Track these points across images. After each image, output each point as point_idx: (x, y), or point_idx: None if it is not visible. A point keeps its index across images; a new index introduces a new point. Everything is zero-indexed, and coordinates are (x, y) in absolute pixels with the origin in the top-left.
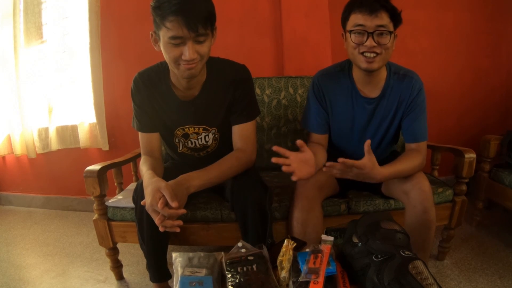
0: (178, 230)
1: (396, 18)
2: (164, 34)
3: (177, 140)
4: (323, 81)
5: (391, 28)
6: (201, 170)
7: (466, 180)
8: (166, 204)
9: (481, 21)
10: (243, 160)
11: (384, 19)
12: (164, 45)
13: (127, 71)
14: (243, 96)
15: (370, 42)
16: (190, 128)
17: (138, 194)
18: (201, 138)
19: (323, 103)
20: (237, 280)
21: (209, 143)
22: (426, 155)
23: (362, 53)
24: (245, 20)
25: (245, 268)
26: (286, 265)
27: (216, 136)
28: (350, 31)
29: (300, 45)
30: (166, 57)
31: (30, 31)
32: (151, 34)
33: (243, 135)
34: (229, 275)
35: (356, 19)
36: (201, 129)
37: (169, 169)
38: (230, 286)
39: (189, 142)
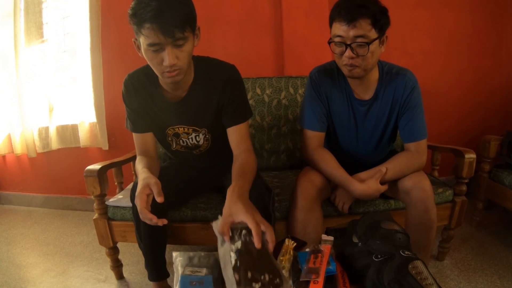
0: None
1: (379, 23)
2: (143, 41)
3: (169, 139)
4: (320, 77)
5: (372, 35)
6: (244, 177)
7: (466, 181)
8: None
9: (482, 21)
10: (254, 158)
11: (363, 28)
12: (144, 52)
13: (128, 71)
14: (234, 97)
15: (348, 54)
16: (180, 128)
17: (132, 198)
18: (191, 138)
19: (322, 97)
20: (239, 247)
21: (200, 143)
22: (427, 155)
23: (344, 64)
24: (246, 21)
25: (243, 238)
26: (286, 264)
27: (207, 136)
28: (330, 41)
29: (300, 45)
30: (149, 63)
31: (30, 31)
32: (134, 41)
33: (243, 136)
34: (240, 239)
35: (335, 29)
36: (190, 129)
37: (167, 169)
38: (232, 253)
39: (181, 141)
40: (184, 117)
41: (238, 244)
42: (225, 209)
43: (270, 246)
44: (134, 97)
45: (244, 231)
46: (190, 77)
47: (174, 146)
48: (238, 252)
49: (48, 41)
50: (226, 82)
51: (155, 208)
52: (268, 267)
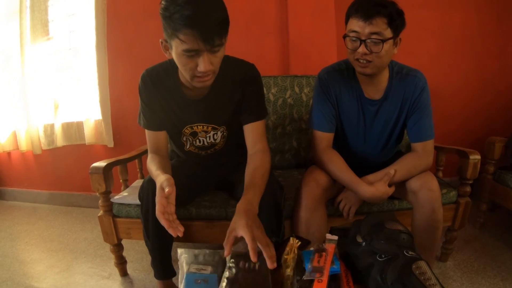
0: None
1: (395, 23)
2: (177, 45)
3: (184, 139)
4: (329, 77)
5: (387, 34)
6: (254, 189)
7: (470, 182)
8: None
9: (488, 22)
10: (269, 159)
11: (379, 26)
12: (177, 56)
13: (133, 68)
14: (253, 95)
15: (362, 49)
16: (199, 127)
17: (144, 192)
18: (209, 136)
19: (331, 98)
20: (234, 273)
21: (217, 141)
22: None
23: (357, 59)
24: (252, 20)
25: (247, 265)
26: (291, 263)
27: (225, 134)
28: (345, 36)
29: (306, 44)
30: (179, 67)
31: (36, 28)
32: (161, 42)
33: (259, 133)
34: (230, 265)
35: (351, 24)
36: (210, 127)
37: (175, 167)
38: (224, 278)
39: (197, 140)
40: (205, 114)
41: (231, 270)
42: (231, 224)
43: (269, 263)
44: (152, 93)
45: (238, 257)
46: None
47: (187, 147)
48: (230, 279)
49: (54, 38)
50: (247, 80)
51: None
52: None
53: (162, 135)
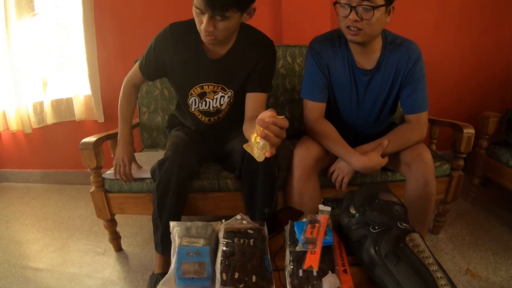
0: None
1: None
2: None
3: (191, 101)
4: (321, 46)
5: (379, 1)
6: None
7: (463, 156)
8: None
9: None
10: None
11: None
12: (193, 7)
13: (121, 41)
14: (264, 68)
15: (353, 16)
16: (209, 86)
17: (168, 172)
18: (216, 99)
19: (323, 68)
20: (231, 249)
21: (223, 107)
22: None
23: (347, 26)
24: None
25: (242, 240)
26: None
27: (231, 100)
28: (336, 3)
29: (298, 13)
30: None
31: (21, 4)
32: None
33: (261, 104)
34: (224, 242)
35: None
36: (219, 88)
37: (177, 143)
38: (220, 253)
39: (204, 102)
40: (218, 74)
41: (227, 244)
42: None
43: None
44: (167, 47)
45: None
46: (232, 39)
47: (192, 109)
48: (229, 252)
49: (40, 14)
50: (263, 53)
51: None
52: (257, 269)
53: (144, 80)
